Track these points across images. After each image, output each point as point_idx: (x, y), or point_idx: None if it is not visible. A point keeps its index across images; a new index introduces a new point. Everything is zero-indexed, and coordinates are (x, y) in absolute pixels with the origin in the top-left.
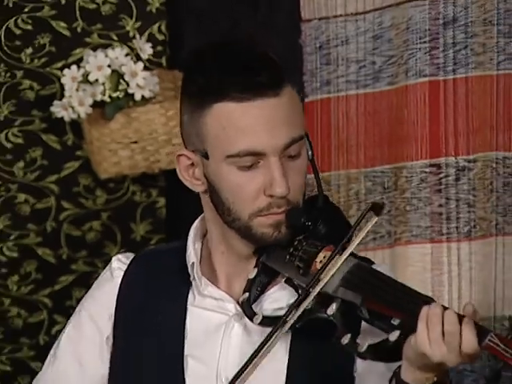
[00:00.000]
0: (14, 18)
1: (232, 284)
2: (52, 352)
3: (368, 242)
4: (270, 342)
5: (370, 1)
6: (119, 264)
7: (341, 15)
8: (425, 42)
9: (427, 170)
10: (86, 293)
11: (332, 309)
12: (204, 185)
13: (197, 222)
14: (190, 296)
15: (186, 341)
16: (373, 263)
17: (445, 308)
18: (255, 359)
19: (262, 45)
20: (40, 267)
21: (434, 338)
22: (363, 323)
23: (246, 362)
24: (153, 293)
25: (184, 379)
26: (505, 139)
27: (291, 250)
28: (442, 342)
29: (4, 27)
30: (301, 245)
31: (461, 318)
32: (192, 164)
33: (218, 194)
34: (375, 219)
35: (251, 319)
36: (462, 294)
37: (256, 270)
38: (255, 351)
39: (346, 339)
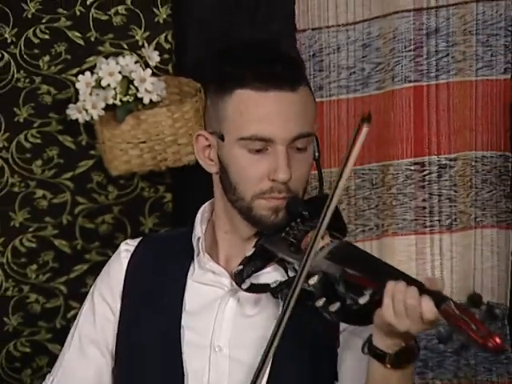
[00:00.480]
0: (32, 28)
1: (230, 263)
2: (72, 330)
3: (357, 234)
4: (285, 314)
5: (359, 12)
6: (127, 246)
7: (332, 26)
8: (409, 51)
9: (412, 167)
10: None
11: (313, 280)
12: (216, 166)
13: (205, 205)
14: (191, 271)
15: (183, 313)
16: None
17: (408, 283)
18: (276, 336)
19: (287, 47)
20: (56, 257)
21: (398, 312)
22: None
23: (270, 342)
24: (157, 271)
25: (181, 348)
26: (483, 140)
27: (287, 229)
28: (405, 315)
29: (24, 37)
30: (297, 226)
31: (422, 290)
32: (209, 145)
33: (227, 175)
34: (366, 129)
35: (240, 286)
36: (444, 280)
37: (254, 249)
38: (275, 330)
39: (320, 302)
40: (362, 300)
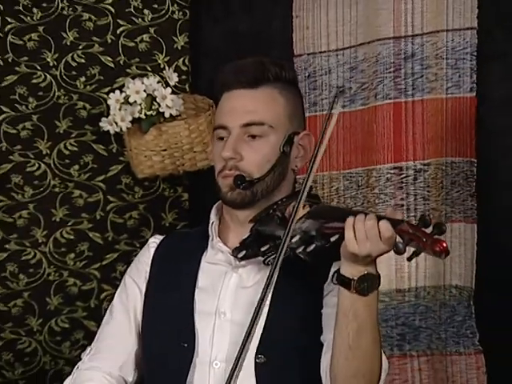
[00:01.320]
0: (71, 54)
1: (234, 245)
2: (109, 308)
3: None
4: (273, 271)
5: (347, 40)
6: (154, 239)
7: (325, 51)
8: (390, 72)
9: (392, 171)
10: (127, 266)
11: (295, 238)
12: None
13: (218, 202)
14: (204, 254)
15: (196, 289)
16: None
17: (367, 214)
18: (266, 291)
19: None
20: (91, 247)
21: (360, 238)
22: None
23: (262, 295)
24: (177, 257)
25: (193, 315)
26: (452, 148)
27: (274, 206)
28: (366, 239)
29: (63, 61)
30: (281, 203)
31: (379, 217)
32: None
33: None
34: (340, 110)
35: (236, 256)
36: (419, 266)
37: (249, 233)
38: (265, 286)
39: (300, 249)
40: (333, 238)
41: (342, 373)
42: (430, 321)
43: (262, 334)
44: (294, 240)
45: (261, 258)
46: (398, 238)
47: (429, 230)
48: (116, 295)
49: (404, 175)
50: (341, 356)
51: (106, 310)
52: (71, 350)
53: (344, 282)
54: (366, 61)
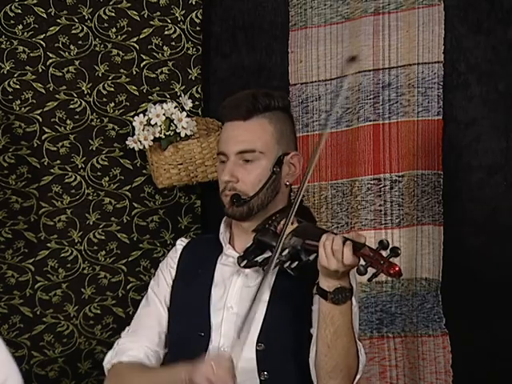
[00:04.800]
0: (102, 83)
1: (241, 250)
2: (145, 296)
3: (333, 229)
4: (265, 277)
5: (334, 71)
6: (181, 242)
7: (315, 81)
8: (370, 99)
9: (372, 182)
10: (149, 262)
11: (285, 252)
12: None
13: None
14: (219, 258)
15: (212, 285)
16: (325, 231)
17: (336, 235)
18: (258, 292)
19: (262, 90)
20: (119, 246)
21: (327, 254)
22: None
23: (255, 295)
24: (199, 259)
25: (209, 308)
26: (422, 162)
27: (270, 221)
28: (332, 257)
29: (95, 89)
30: (275, 218)
31: (346, 239)
32: None
33: None
34: (353, 66)
35: (240, 264)
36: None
37: (252, 242)
38: (257, 288)
39: (287, 264)
40: (312, 256)
41: (323, 367)
42: (404, 308)
43: (261, 325)
44: (283, 253)
45: (259, 268)
46: (361, 261)
47: (386, 253)
48: (150, 286)
49: (382, 185)
50: (321, 353)
51: (131, 298)
52: (102, 333)
53: (322, 293)
54: (349, 89)
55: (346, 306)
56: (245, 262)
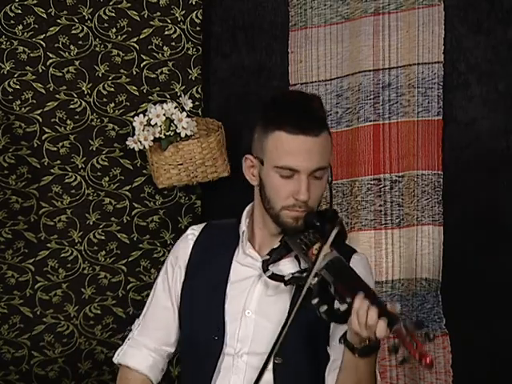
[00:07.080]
0: (102, 84)
1: (262, 250)
2: (152, 289)
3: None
4: (296, 305)
5: (334, 72)
6: (192, 231)
7: (315, 81)
8: (370, 99)
9: (372, 182)
10: (149, 262)
11: (315, 280)
12: (257, 181)
13: (248, 207)
14: (235, 254)
15: (228, 284)
16: (355, 251)
17: (371, 301)
18: (290, 318)
19: (317, 100)
20: (119, 246)
21: (361, 324)
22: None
23: (286, 320)
24: (213, 253)
25: (224, 309)
26: (422, 162)
27: (302, 236)
28: (365, 328)
29: (96, 89)
30: (309, 235)
31: (381, 311)
32: (253, 165)
33: (264, 189)
34: (336, 230)
35: (264, 272)
36: (395, 263)
37: (279, 243)
38: (288, 313)
39: (315, 300)
40: (342, 308)
41: None
42: (404, 308)
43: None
44: (313, 281)
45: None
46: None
47: (418, 333)
48: (158, 279)
49: (382, 185)
50: None
51: (131, 298)
52: (102, 333)
53: (348, 346)
54: (349, 89)
55: (372, 358)
56: (270, 272)
